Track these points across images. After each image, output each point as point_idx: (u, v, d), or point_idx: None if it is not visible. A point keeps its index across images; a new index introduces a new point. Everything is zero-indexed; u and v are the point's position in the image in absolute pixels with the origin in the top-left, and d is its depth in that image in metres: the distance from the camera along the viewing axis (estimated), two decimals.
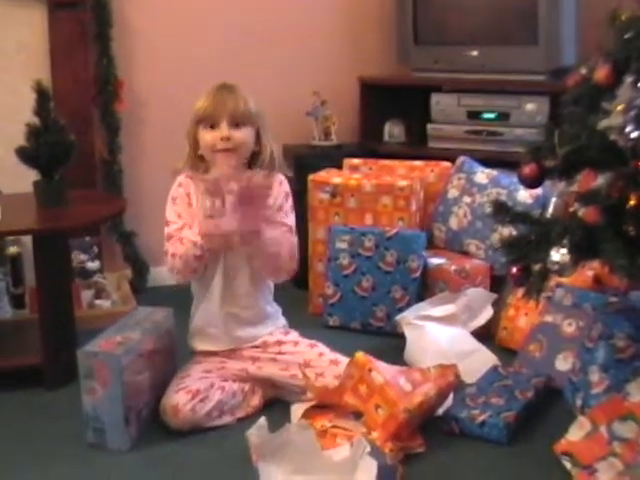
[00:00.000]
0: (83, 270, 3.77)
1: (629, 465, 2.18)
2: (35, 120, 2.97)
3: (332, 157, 3.90)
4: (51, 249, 2.91)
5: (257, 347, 2.81)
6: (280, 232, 2.68)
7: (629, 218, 2.15)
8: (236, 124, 2.66)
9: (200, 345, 2.81)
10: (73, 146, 3.01)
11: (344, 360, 2.70)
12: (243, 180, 2.50)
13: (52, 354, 2.89)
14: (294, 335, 2.89)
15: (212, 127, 2.65)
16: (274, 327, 2.87)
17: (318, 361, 2.76)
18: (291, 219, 2.78)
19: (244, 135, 2.68)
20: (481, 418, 2.50)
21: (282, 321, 2.93)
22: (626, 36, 2.19)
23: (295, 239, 2.76)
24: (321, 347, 2.83)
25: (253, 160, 2.74)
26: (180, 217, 2.71)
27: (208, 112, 2.65)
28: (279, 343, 2.83)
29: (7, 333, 3.15)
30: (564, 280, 2.77)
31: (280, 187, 2.80)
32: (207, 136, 2.66)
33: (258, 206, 2.53)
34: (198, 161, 2.73)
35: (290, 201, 2.81)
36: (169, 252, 2.67)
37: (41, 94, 2.96)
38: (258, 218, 2.55)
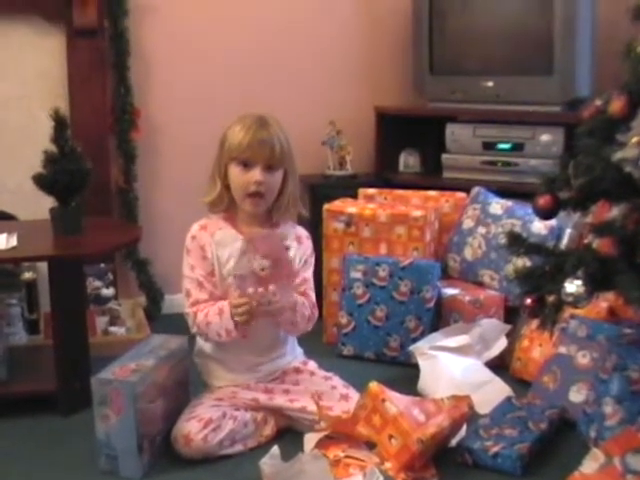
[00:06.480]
0: (98, 297, 3.78)
1: None
2: (52, 147, 2.98)
3: (347, 186, 3.91)
4: (66, 275, 2.92)
5: (275, 379, 2.82)
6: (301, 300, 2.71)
7: None
8: (269, 167, 2.67)
9: (219, 382, 2.79)
10: (89, 174, 3.02)
11: (355, 396, 2.70)
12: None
13: (66, 380, 2.90)
14: (312, 365, 2.89)
15: (246, 167, 2.65)
16: (292, 357, 2.88)
17: (329, 394, 2.75)
18: (310, 273, 2.82)
19: (276, 179, 2.69)
20: (494, 449, 2.49)
21: (299, 350, 2.94)
22: None
23: (313, 297, 2.79)
24: (335, 380, 2.82)
25: (274, 202, 2.75)
26: (194, 269, 2.72)
27: (246, 155, 2.64)
28: (297, 371, 2.84)
29: (21, 358, 3.15)
30: (578, 311, 2.76)
31: (308, 241, 2.84)
32: (240, 177, 2.66)
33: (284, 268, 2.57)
34: (227, 197, 2.73)
35: (313, 257, 2.86)
36: (194, 320, 2.70)
37: (59, 122, 2.97)
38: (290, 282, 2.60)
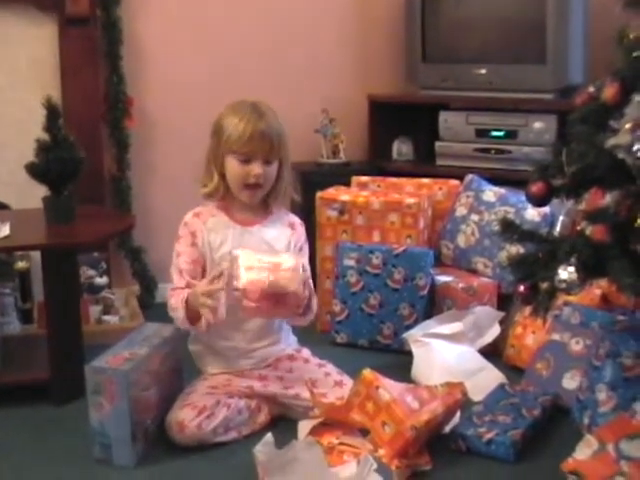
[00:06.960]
0: (91, 285, 3.77)
1: None
2: (45, 136, 2.98)
3: (340, 174, 3.92)
4: (60, 264, 2.91)
5: (269, 365, 2.82)
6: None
7: (636, 236, 2.15)
8: (268, 160, 2.67)
9: (212, 369, 2.80)
10: (82, 162, 3.02)
11: (349, 382, 2.70)
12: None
13: (59, 369, 2.90)
14: (305, 352, 2.90)
15: (245, 160, 2.65)
16: (286, 344, 2.89)
17: (323, 381, 2.76)
18: (307, 260, 2.79)
19: (273, 170, 2.70)
20: (488, 436, 2.50)
21: (293, 338, 2.95)
22: (634, 54, 2.20)
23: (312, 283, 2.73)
24: (329, 367, 2.83)
25: (269, 192, 2.76)
26: (179, 256, 2.72)
27: (246, 149, 2.64)
28: (290, 359, 2.85)
29: (15, 348, 3.15)
30: (571, 298, 2.76)
31: (301, 228, 2.86)
32: (239, 169, 2.66)
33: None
34: (223, 186, 2.73)
35: (307, 245, 2.88)
36: (169, 304, 2.69)
37: (51, 111, 2.97)
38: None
